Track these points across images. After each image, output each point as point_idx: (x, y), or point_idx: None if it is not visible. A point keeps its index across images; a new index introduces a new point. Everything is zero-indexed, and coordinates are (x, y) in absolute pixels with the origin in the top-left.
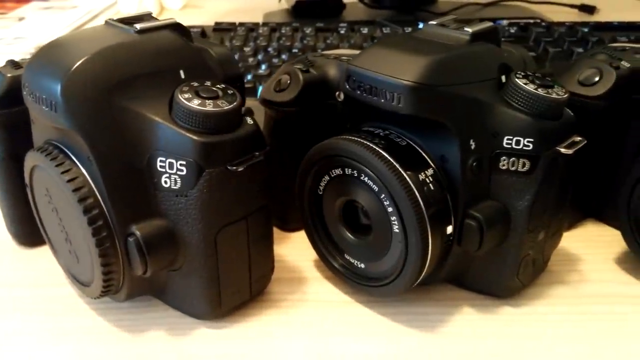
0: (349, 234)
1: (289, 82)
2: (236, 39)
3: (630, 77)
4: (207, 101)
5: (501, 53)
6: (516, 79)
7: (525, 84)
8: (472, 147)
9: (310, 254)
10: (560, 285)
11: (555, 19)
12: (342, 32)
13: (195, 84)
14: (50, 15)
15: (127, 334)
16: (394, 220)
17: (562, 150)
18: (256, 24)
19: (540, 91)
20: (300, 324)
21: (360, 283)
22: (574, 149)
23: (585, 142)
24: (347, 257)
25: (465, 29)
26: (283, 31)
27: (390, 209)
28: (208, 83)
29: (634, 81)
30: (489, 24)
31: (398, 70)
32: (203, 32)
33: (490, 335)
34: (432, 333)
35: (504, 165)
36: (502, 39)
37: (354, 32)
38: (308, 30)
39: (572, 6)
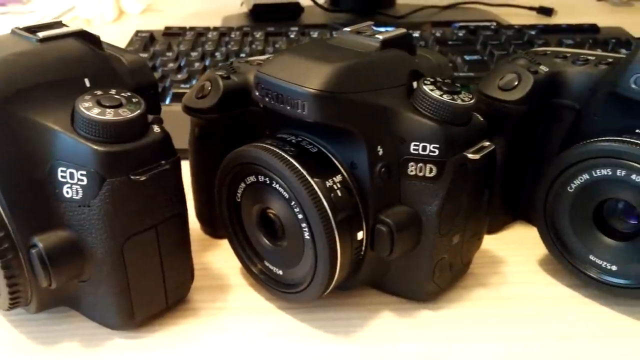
0: (267, 241)
1: (209, 89)
2: (184, 44)
3: (548, 82)
4: (107, 110)
5: (412, 60)
6: (423, 86)
7: (432, 90)
8: (380, 153)
9: (238, 261)
10: (481, 287)
11: (514, 21)
12: (292, 36)
13: (99, 93)
14: (6, 20)
15: (39, 346)
16: (304, 227)
17: (470, 155)
18: (206, 29)
19: (446, 97)
20: (218, 332)
21: (279, 290)
22: (481, 154)
23: (494, 147)
24: (266, 263)
25: (376, 36)
26: (232, 36)
27: (300, 216)
28: (112, 91)
29: (552, 85)
30: (402, 30)
31: (303, 77)
32: (152, 36)
33: (408, 338)
34: (351, 338)
35: (412, 170)
36: (450, 43)
37: (304, 36)
38: (258, 35)
39: (530, 8)
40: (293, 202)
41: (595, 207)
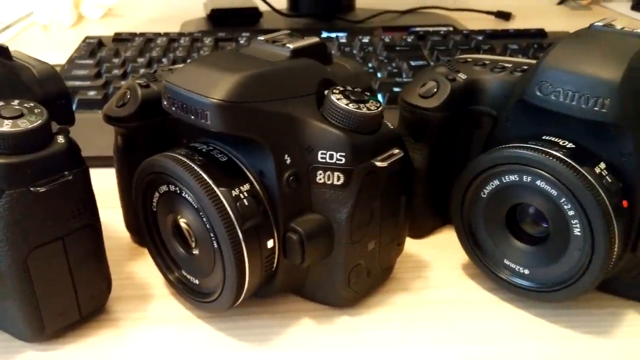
0: (182, 250)
1: (129, 97)
2: (131, 50)
3: (466, 89)
4: (5, 121)
5: (323, 69)
6: (331, 95)
7: (339, 99)
8: (288, 161)
9: None
10: (403, 292)
11: (472, 26)
12: (242, 41)
13: (0, 104)
14: None
15: None
16: (212, 237)
17: (377, 163)
18: (156, 34)
19: (352, 106)
20: (134, 342)
21: (196, 299)
22: (389, 162)
23: (403, 154)
24: (183, 272)
25: (287, 45)
26: (182, 42)
27: (208, 225)
28: (14, 102)
29: (470, 92)
30: (315, 39)
31: (206, 87)
32: (100, 42)
33: (326, 345)
34: (269, 346)
35: (320, 179)
36: (398, 48)
37: None
38: (207, 41)
39: (488, 13)
40: (201, 212)
41: (507, 212)
